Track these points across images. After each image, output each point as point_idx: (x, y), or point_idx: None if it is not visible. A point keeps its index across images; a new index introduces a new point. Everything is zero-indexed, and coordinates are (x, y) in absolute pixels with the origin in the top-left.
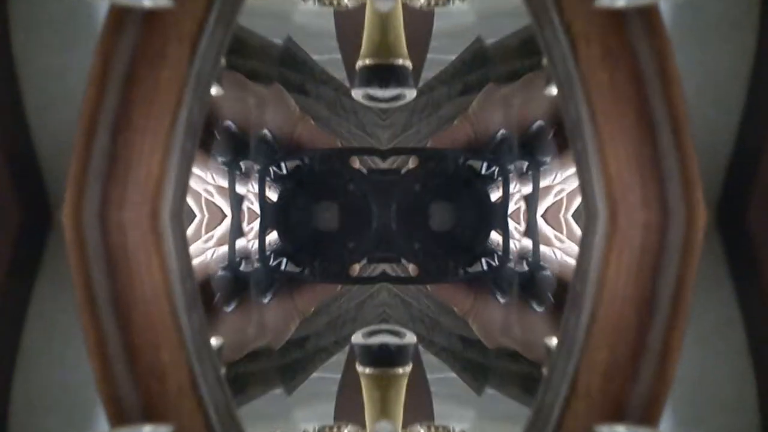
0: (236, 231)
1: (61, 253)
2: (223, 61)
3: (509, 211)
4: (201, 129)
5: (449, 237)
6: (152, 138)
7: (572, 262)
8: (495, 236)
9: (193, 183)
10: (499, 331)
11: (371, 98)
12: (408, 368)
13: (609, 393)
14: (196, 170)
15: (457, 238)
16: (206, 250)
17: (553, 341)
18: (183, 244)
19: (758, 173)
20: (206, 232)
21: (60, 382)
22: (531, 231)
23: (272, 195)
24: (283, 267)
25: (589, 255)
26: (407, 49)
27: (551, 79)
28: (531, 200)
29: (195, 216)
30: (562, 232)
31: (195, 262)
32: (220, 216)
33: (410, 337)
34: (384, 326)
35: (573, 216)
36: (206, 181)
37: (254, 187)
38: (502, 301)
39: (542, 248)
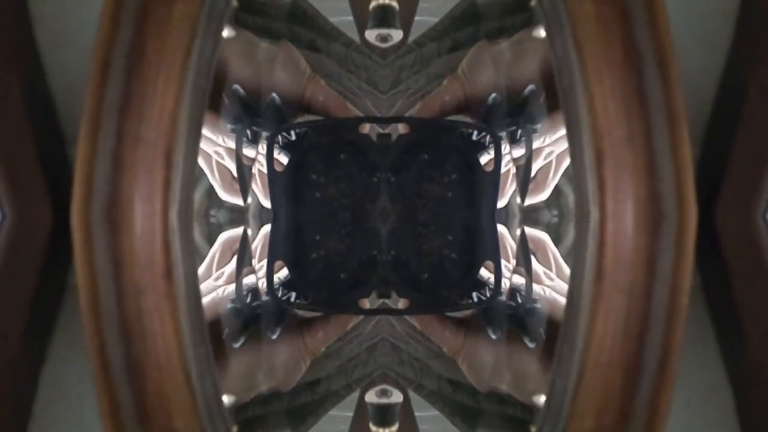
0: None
1: (75, 313)
2: (235, 2)
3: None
4: (214, 68)
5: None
6: (166, 73)
7: (562, 299)
8: (485, 272)
9: (204, 145)
10: (489, 370)
11: (383, 39)
12: (394, 428)
13: None
14: (206, 132)
15: (449, 252)
16: (216, 288)
17: (541, 399)
18: (197, 302)
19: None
20: (217, 269)
21: None
22: (523, 258)
23: (282, 159)
24: (292, 300)
25: (576, 313)
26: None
27: (538, 20)
28: (523, 167)
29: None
30: (551, 270)
31: (205, 299)
32: (230, 181)
33: (396, 396)
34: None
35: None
36: (216, 144)
37: (263, 151)
38: (493, 337)
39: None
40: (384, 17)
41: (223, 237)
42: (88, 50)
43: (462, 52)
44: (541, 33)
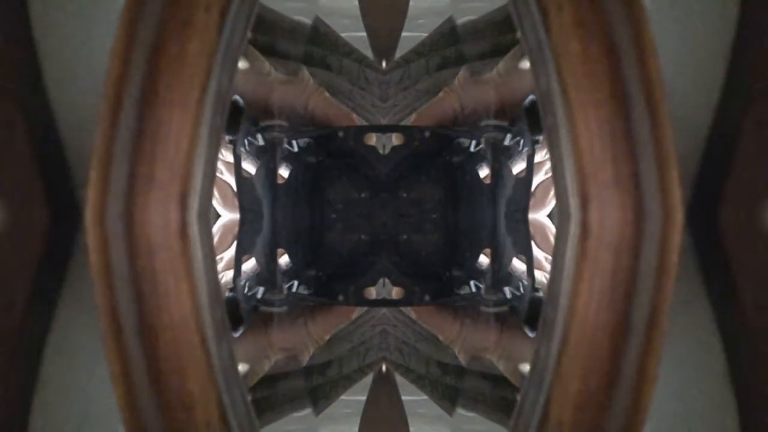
0: (245, 220)
1: (83, 278)
2: (250, 33)
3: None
4: (229, 103)
5: (435, 239)
6: (181, 111)
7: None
8: (484, 259)
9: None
10: (486, 358)
11: None
12: None
13: (582, 424)
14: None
15: (445, 241)
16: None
17: (525, 367)
18: (212, 261)
19: (734, 160)
20: (217, 254)
21: (82, 412)
22: (523, 245)
23: (283, 172)
24: (294, 289)
25: (560, 273)
26: (383, 22)
27: (524, 52)
28: (523, 179)
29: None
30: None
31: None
32: (230, 197)
33: None
34: None
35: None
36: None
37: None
38: (490, 326)
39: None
40: None
41: (222, 220)
42: (97, 86)
43: (452, 69)
44: (527, 65)
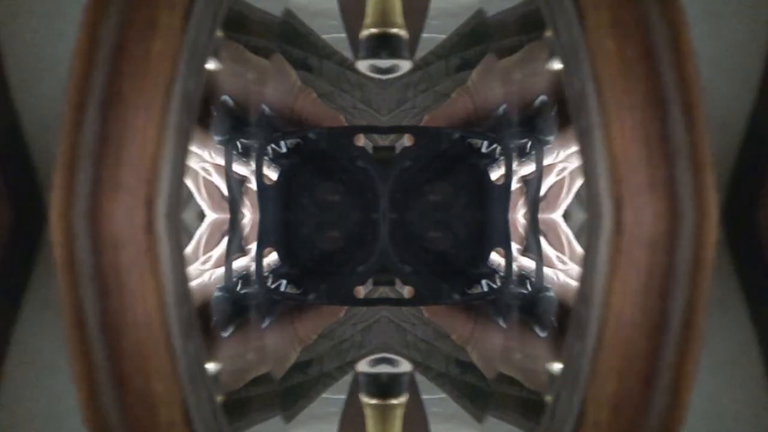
0: (235, 219)
1: (48, 275)
2: (220, 33)
3: (511, 191)
4: (198, 104)
5: (447, 238)
6: (145, 114)
7: (576, 284)
8: (495, 257)
9: (190, 161)
10: (499, 359)
11: (376, 70)
12: (403, 398)
13: (619, 426)
14: (192, 148)
15: (456, 240)
16: (204, 272)
17: (555, 367)
18: (180, 259)
19: None
20: (204, 253)
21: (44, 412)
22: (532, 245)
23: (271, 174)
24: (283, 288)
25: (593, 270)
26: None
27: (554, 52)
28: (533, 181)
29: (192, 201)
30: (564, 253)
31: (192, 284)
32: (219, 199)
33: (405, 366)
34: (384, 355)
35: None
36: (204, 159)
37: (253, 166)
38: (503, 326)
39: (544, 269)
40: (388, 47)
41: (211, 218)
42: (62, 88)
43: (470, 71)
44: (555, 65)
